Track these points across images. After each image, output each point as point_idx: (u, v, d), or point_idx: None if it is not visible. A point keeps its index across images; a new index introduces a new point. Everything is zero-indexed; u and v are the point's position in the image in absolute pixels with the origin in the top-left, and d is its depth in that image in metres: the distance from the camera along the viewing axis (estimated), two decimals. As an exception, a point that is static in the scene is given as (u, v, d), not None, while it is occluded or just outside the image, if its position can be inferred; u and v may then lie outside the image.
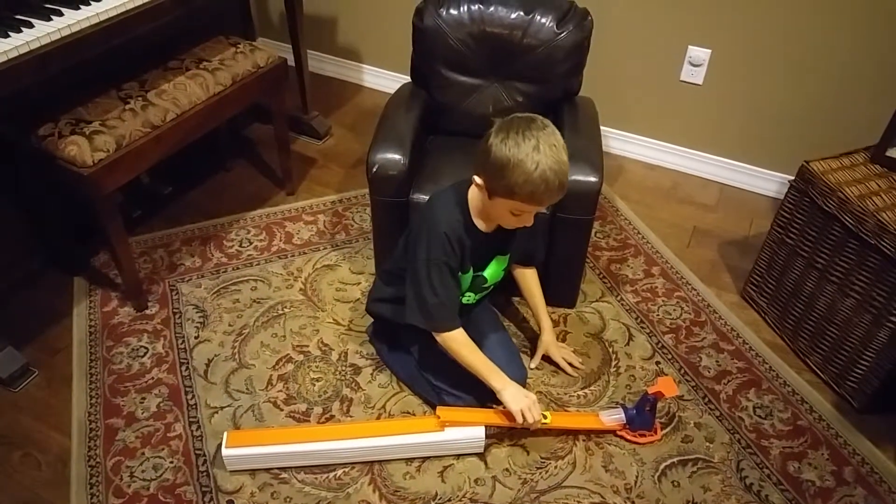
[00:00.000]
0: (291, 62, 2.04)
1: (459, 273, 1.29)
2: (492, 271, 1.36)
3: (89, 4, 1.38)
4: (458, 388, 1.34)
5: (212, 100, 1.62)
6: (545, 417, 1.30)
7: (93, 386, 1.44)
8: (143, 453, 1.32)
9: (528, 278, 1.48)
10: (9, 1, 1.34)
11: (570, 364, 1.49)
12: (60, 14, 1.34)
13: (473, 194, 1.24)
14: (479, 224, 1.27)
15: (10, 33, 1.26)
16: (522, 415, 1.25)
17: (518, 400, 1.26)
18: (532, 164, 1.10)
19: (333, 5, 2.45)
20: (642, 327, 1.62)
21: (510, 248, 1.36)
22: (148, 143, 1.48)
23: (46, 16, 1.32)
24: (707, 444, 1.37)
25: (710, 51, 1.94)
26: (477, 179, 1.19)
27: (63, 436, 1.35)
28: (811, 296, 1.50)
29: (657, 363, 1.53)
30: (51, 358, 1.51)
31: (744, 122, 2.02)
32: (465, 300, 1.39)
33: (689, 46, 1.96)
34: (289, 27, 2.06)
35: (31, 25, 1.29)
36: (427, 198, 1.50)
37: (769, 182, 2.07)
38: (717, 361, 1.54)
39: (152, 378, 1.46)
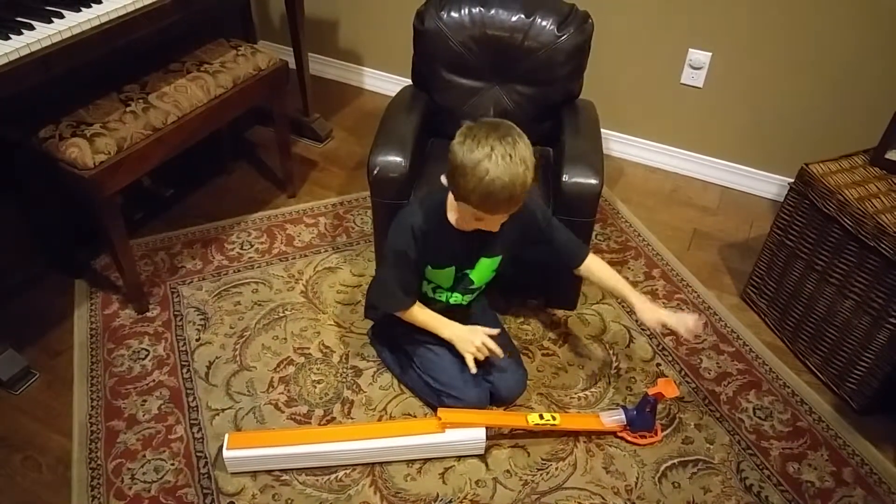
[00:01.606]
0: (292, 65, 2.05)
1: (430, 267, 1.32)
2: (479, 273, 1.36)
3: (90, 6, 1.38)
4: (457, 390, 1.35)
5: (213, 102, 1.62)
6: (554, 419, 1.31)
7: (94, 388, 1.44)
8: (144, 455, 1.32)
9: (593, 271, 1.39)
10: (10, 3, 1.34)
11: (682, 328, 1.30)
12: (61, 16, 1.34)
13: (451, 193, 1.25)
14: (453, 218, 1.26)
15: (11, 35, 1.26)
16: (480, 350, 1.29)
17: (465, 342, 1.31)
18: (482, 171, 1.08)
19: (334, 8, 2.46)
20: (643, 329, 1.62)
21: (497, 251, 1.34)
22: (149, 145, 1.48)
23: (47, 18, 1.32)
24: (707, 445, 1.37)
25: (710, 54, 1.95)
26: (442, 179, 1.21)
27: (64, 438, 1.35)
28: (811, 298, 1.51)
29: (658, 365, 1.54)
30: (52, 360, 1.50)
31: (744, 124, 2.03)
32: (452, 300, 1.39)
33: (690, 49, 1.97)
34: (290, 30, 2.07)
35: (31, 28, 1.29)
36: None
37: (769, 185, 2.08)
38: (717, 363, 1.55)
39: (153, 380, 1.46)
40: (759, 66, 1.90)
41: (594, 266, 1.38)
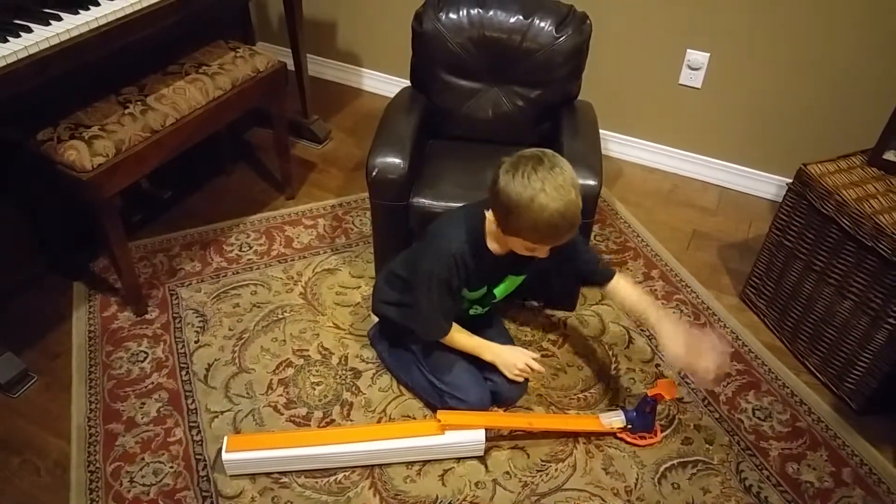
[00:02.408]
0: (291, 66, 2.05)
1: (466, 290, 1.31)
2: (502, 289, 1.37)
3: (88, 9, 1.38)
4: (461, 391, 1.34)
5: (211, 104, 1.62)
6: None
7: (92, 391, 1.44)
8: (142, 458, 1.31)
9: (619, 291, 1.34)
10: (8, 6, 1.34)
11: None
12: (59, 19, 1.34)
13: (490, 221, 1.23)
14: (493, 247, 1.26)
15: (9, 38, 1.26)
16: (524, 372, 1.32)
17: (510, 361, 1.33)
18: (539, 208, 1.08)
19: (333, 9, 2.46)
20: (642, 330, 1.62)
21: (526, 271, 1.35)
22: (147, 147, 1.48)
23: (45, 20, 1.32)
24: (707, 445, 1.37)
25: (708, 54, 1.95)
26: (489, 216, 1.21)
27: (62, 441, 1.35)
28: (809, 298, 1.51)
29: (657, 366, 1.54)
30: (50, 363, 1.50)
31: (742, 125, 2.03)
32: (472, 312, 1.40)
33: (688, 50, 1.97)
34: (288, 31, 2.07)
35: (29, 30, 1.29)
36: (426, 201, 1.51)
37: (768, 185, 2.08)
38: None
39: (152, 383, 1.46)
40: (757, 66, 1.91)
41: (620, 287, 1.34)
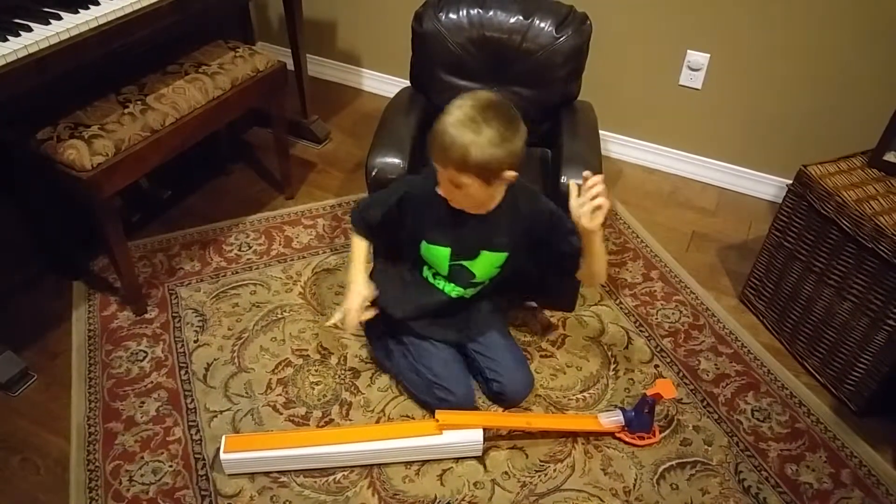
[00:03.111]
0: (291, 66, 2.05)
1: (424, 242, 1.33)
2: (481, 267, 1.34)
3: (88, 8, 1.38)
4: (448, 382, 1.35)
5: (211, 104, 1.62)
6: None
7: (92, 390, 1.44)
8: (142, 457, 1.32)
9: (587, 273, 1.29)
10: (7, 5, 1.34)
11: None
12: (59, 18, 1.34)
13: None
14: (440, 191, 1.25)
15: (9, 37, 1.26)
16: (346, 315, 1.32)
17: (348, 299, 1.34)
18: (445, 116, 1.13)
19: (333, 9, 2.46)
20: (641, 331, 1.62)
21: (500, 246, 1.32)
22: (147, 147, 1.48)
23: (45, 20, 1.32)
24: (705, 446, 1.37)
25: (708, 55, 1.95)
26: None
27: (62, 440, 1.35)
28: (809, 299, 1.51)
29: (656, 366, 1.54)
30: (50, 362, 1.50)
31: (742, 126, 2.03)
32: (452, 292, 1.38)
33: (688, 51, 1.97)
34: (288, 31, 2.07)
35: (29, 29, 1.29)
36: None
37: (767, 186, 2.08)
38: (715, 365, 1.54)
39: (151, 382, 1.46)
40: (757, 67, 1.91)
41: (588, 268, 1.29)
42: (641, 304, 1.69)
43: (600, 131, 1.65)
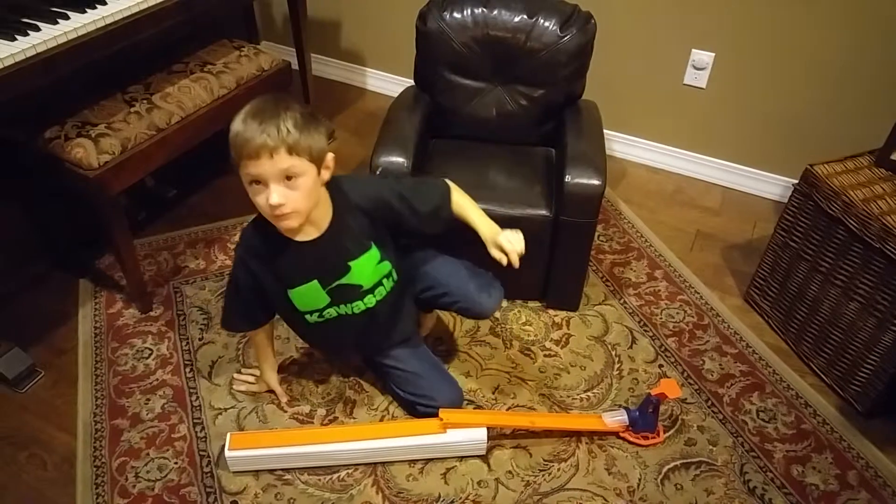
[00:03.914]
0: (295, 65, 2.05)
1: (288, 290, 1.21)
2: (362, 274, 1.21)
3: (95, 8, 1.39)
4: (428, 398, 1.34)
5: (216, 103, 1.63)
6: None
7: (98, 387, 1.45)
8: (147, 454, 1.32)
9: (459, 209, 1.28)
10: (16, 5, 1.35)
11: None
12: (66, 17, 1.35)
13: None
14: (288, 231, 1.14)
15: (17, 37, 1.27)
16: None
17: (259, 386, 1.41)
18: (239, 118, 1.05)
19: (337, 9, 2.46)
20: (645, 330, 1.62)
21: (360, 248, 1.20)
22: (153, 145, 1.49)
23: (52, 19, 1.33)
24: (710, 447, 1.36)
25: (713, 54, 1.95)
26: None
27: (69, 436, 1.36)
28: (815, 299, 1.50)
29: (660, 366, 1.53)
30: (57, 359, 1.51)
31: (747, 125, 2.02)
32: (347, 311, 1.25)
33: (693, 50, 1.96)
34: (292, 31, 2.07)
35: (37, 29, 1.30)
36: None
37: (772, 185, 2.07)
38: (720, 365, 1.54)
39: (157, 379, 1.47)
40: (762, 66, 1.90)
41: (457, 206, 1.28)
42: (646, 303, 1.69)
43: (604, 130, 1.65)
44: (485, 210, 1.51)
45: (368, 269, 1.23)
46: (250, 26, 2.20)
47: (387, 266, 1.26)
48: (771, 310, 1.65)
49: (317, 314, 1.25)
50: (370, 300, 1.26)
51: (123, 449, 1.33)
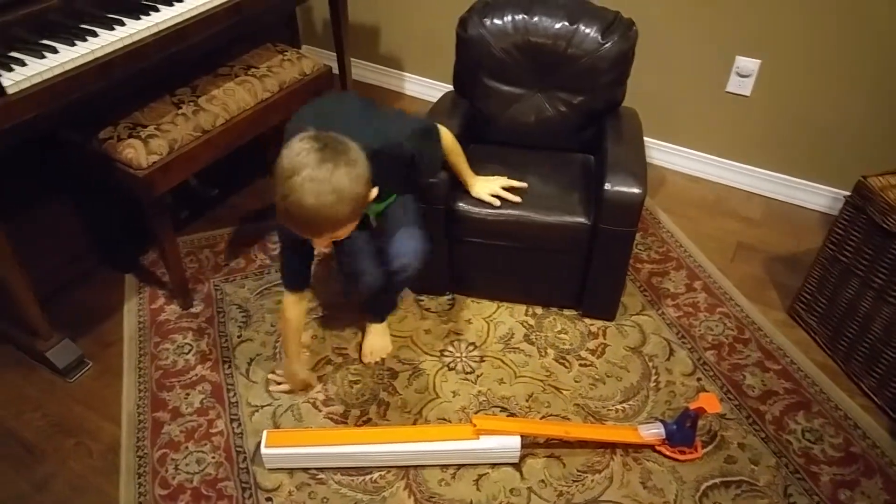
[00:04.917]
0: (335, 69, 2.08)
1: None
2: (372, 213, 1.37)
3: (149, 14, 1.44)
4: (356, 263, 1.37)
5: (259, 106, 1.66)
6: None
7: (141, 380, 1.50)
8: (187, 447, 1.36)
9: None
10: (73, 11, 1.41)
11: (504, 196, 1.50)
12: (122, 24, 1.40)
13: None
14: None
15: (77, 42, 1.32)
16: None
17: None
18: (283, 189, 1.04)
19: (377, 14, 2.49)
20: (683, 342, 1.58)
21: (383, 197, 1.27)
22: (198, 146, 1.53)
23: (109, 26, 1.38)
24: (752, 466, 1.32)
25: (759, 61, 1.90)
26: None
27: (114, 426, 1.40)
28: (866, 316, 1.44)
29: (698, 379, 1.50)
30: (103, 351, 1.57)
31: (793, 134, 1.96)
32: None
33: (737, 57, 1.92)
34: (333, 35, 2.10)
35: (95, 35, 1.35)
36: (465, 206, 1.51)
37: (818, 196, 2.00)
38: (762, 381, 1.49)
39: (196, 375, 1.51)
40: (812, 74, 1.84)
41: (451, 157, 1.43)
42: (684, 315, 1.65)
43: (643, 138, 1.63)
44: (521, 216, 1.52)
45: (379, 209, 1.36)
46: (292, 31, 2.24)
47: (393, 198, 1.38)
48: (818, 326, 1.59)
49: None
50: (375, 220, 1.39)
51: (164, 441, 1.37)
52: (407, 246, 1.34)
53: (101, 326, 1.63)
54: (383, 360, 1.54)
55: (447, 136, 1.40)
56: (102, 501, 1.27)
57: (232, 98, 1.63)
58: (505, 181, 1.52)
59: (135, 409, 1.43)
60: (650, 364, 1.53)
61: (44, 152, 1.57)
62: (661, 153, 2.19)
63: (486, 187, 1.51)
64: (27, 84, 1.23)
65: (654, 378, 1.50)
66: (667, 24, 1.96)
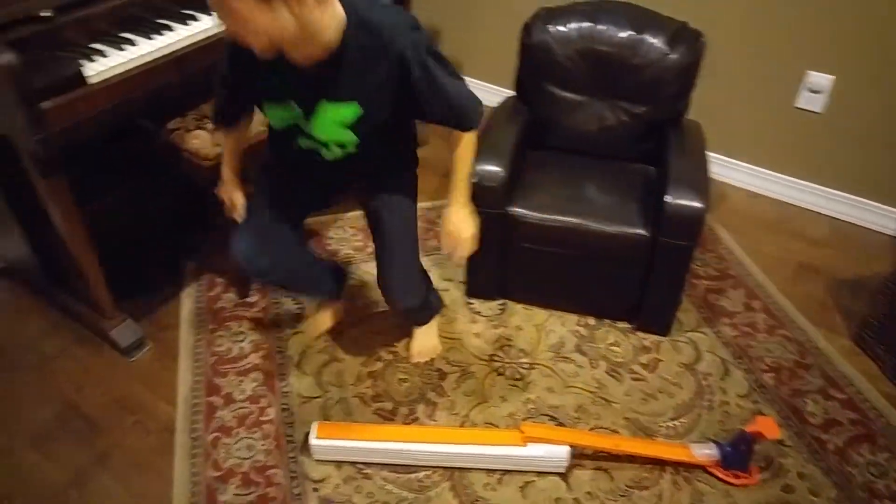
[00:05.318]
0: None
1: (266, 101, 1.09)
2: (322, 126, 1.06)
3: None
4: (246, 232, 1.25)
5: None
6: None
7: (197, 364, 1.54)
8: (238, 433, 1.39)
9: (456, 148, 1.17)
10: (152, 6, 1.45)
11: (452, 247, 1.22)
12: (196, 19, 1.45)
13: None
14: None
15: (153, 35, 1.38)
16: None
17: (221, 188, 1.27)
18: None
19: (437, 17, 2.51)
20: (740, 363, 1.53)
21: (345, 95, 1.03)
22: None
23: (183, 20, 1.43)
24: (811, 497, 1.27)
25: (833, 77, 1.83)
26: None
27: (170, 407, 1.45)
28: (941, 348, 1.37)
29: (755, 402, 1.45)
30: (162, 333, 1.62)
31: (866, 153, 1.88)
32: (302, 144, 1.13)
33: (808, 72, 1.85)
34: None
35: (171, 29, 1.41)
36: (522, 211, 1.51)
37: (889, 219, 1.91)
38: (824, 409, 1.43)
39: (249, 363, 1.54)
40: (888, 92, 1.76)
41: (458, 146, 1.16)
42: (741, 335, 1.60)
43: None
44: (579, 225, 1.50)
45: (332, 124, 1.06)
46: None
47: (346, 136, 1.08)
48: (887, 355, 1.51)
49: (293, 141, 1.13)
50: (327, 152, 1.13)
51: (217, 425, 1.40)
52: (405, 288, 1.31)
53: (161, 310, 1.68)
54: (432, 360, 1.54)
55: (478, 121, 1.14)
56: (159, 479, 1.31)
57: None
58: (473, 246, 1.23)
59: (189, 392, 1.47)
60: (704, 382, 1.49)
61: (117, 140, 1.64)
62: (722, 168, 2.13)
63: (471, 224, 1.21)
64: (108, 74, 1.28)
65: (707, 397, 1.45)
66: (735, 35, 1.91)
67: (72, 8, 1.30)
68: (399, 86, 1.04)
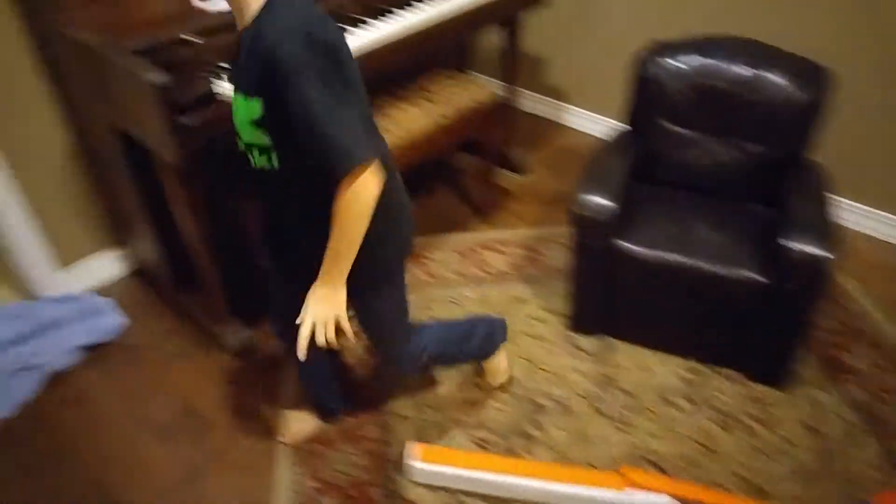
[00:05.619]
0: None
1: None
2: (238, 120, 0.94)
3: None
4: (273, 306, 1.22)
5: (435, 129, 1.73)
6: None
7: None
8: (339, 447, 1.42)
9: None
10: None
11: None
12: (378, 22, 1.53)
13: None
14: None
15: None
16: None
17: (314, 307, 1.02)
18: None
19: (545, 46, 2.49)
20: (870, 428, 1.40)
21: (243, 85, 0.91)
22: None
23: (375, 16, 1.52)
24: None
25: None
26: None
27: (273, 414, 1.50)
28: None
29: (886, 474, 1.31)
30: (268, 341, 1.68)
31: None
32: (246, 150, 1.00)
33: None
34: (504, 64, 2.13)
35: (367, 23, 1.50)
36: (629, 246, 1.47)
37: None
38: (971, 489, 1.28)
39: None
40: None
41: (335, 204, 0.91)
42: (872, 397, 1.47)
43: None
44: (686, 263, 1.44)
45: (243, 119, 0.93)
46: (462, 57, 2.32)
47: (262, 139, 0.93)
48: None
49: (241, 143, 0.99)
50: (260, 160, 0.97)
51: (319, 437, 1.44)
52: (397, 363, 1.28)
53: (267, 316, 1.76)
54: (510, 380, 1.53)
55: (372, 182, 0.90)
56: (263, 483, 1.37)
57: (407, 118, 1.70)
58: (341, 321, 1.04)
59: (292, 401, 1.53)
60: (824, 446, 1.37)
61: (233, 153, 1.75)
62: (851, 214, 1.98)
63: (324, 309, 1.01)
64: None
65: (827, 462, 1.34)
66: (867, 72, 1.78)
67: (215, 33, 1.38)
68: (274, 96, 0.87)
